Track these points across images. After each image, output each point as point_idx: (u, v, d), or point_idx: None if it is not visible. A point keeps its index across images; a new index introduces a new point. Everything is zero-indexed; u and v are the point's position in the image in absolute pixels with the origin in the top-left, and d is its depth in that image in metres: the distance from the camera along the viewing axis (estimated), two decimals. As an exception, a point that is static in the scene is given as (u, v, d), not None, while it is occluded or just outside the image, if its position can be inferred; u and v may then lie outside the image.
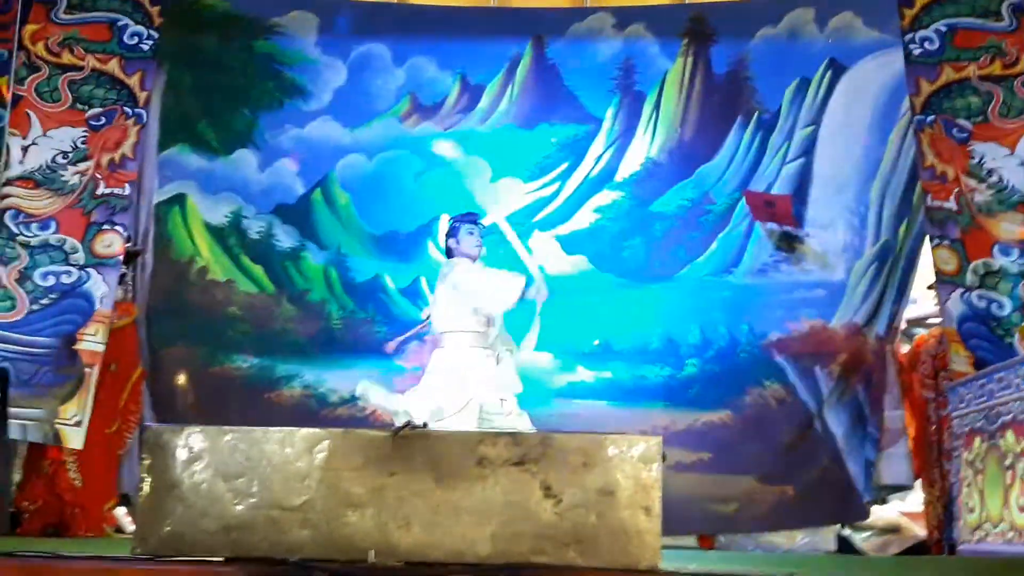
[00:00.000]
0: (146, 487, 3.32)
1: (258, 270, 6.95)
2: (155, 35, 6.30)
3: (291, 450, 3.24)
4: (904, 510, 6.91)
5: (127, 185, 6.16)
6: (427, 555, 3.15)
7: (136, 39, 6.28)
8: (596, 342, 6.84)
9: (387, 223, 7.09)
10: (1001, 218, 5.88)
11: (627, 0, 7.53)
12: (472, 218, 6.02)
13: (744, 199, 6.93)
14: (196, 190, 6.97)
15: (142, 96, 6.24)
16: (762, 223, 6.86)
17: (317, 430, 3.27)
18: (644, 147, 7.14)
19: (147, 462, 3.33)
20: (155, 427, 3.42)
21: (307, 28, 7.10)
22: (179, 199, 6.95)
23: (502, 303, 5.68)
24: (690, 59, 7.14)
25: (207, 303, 6.89)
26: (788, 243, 6.86)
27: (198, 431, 3.31)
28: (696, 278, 6.97)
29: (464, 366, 5.61)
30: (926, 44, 6.14)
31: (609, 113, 7.17)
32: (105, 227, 6.08)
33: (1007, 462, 4.96)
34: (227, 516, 3.23)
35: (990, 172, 5.93)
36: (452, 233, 5.90)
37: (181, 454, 3.30)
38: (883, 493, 6.48)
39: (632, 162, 7.14)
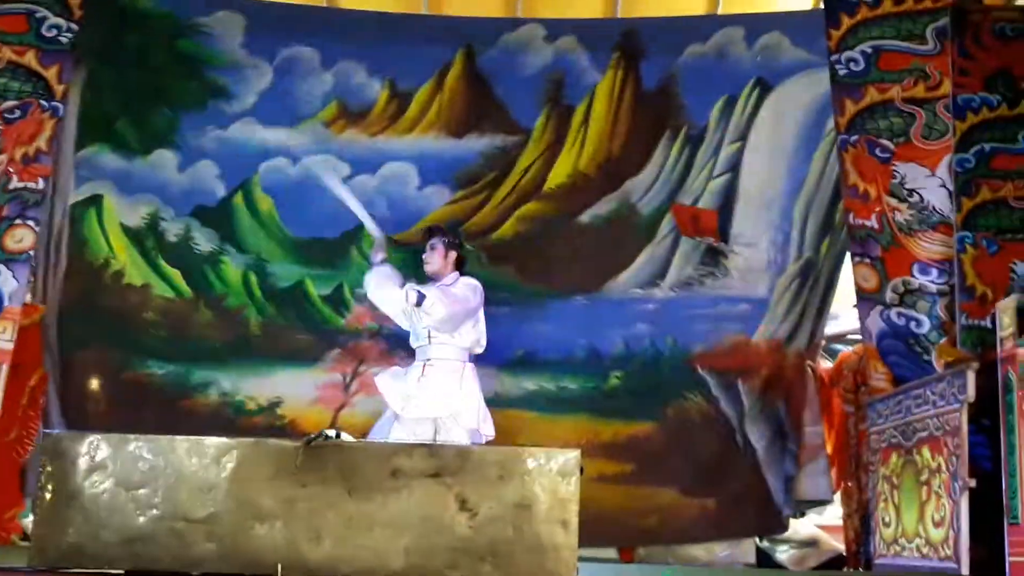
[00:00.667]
0: (45, 496, 3.19)
1: (175, 274, 6.79)
2: (75, 28, 6.14)
3: (198, 460, 3.14)
4: (822, 523, 6.98)
5: (41, 180, 5.99)
6: (338, 569, 3.07)
7: (55, 31, 6.11)
8: None
9: (311, 229, 6.96)
10: (921, 238, 5.97)
11: (558, 12, 7.53)
12: (432, 232, 6.00)
13: (671, 213, 6.95)
14: (113, 191, 6.79)
15: (59, 89, 6.08)
16: (688, 237, 6.88)
17: (225, 439, 3.17)
18: (572, 159, 7.12)
19: (46, 470, 3.21)
20: (54, 434, 3.30)
21: (233, 29, 6.94)
22: (96, 200, 6.77)
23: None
24: (620, 73, 7.14)
25: (122, 307, 6.71)
26: (713, 257, 6.90)
27: (100, 438, 3.19)
28: (621, 290, 6.96)
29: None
30: (851, 65, 6.22)
31: (538, 124, 7.13)
32: (17, 222, 5.91)
33: (922, 478, 5.03)
34: (129, 527, 3.11)
35: (911, 192, 6.03)
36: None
37: (82, 462, 3.18)
38: (802, 507, 6.52)
39: (560, 174, 7.11)
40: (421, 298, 5.73)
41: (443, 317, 5.77)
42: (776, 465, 6.53)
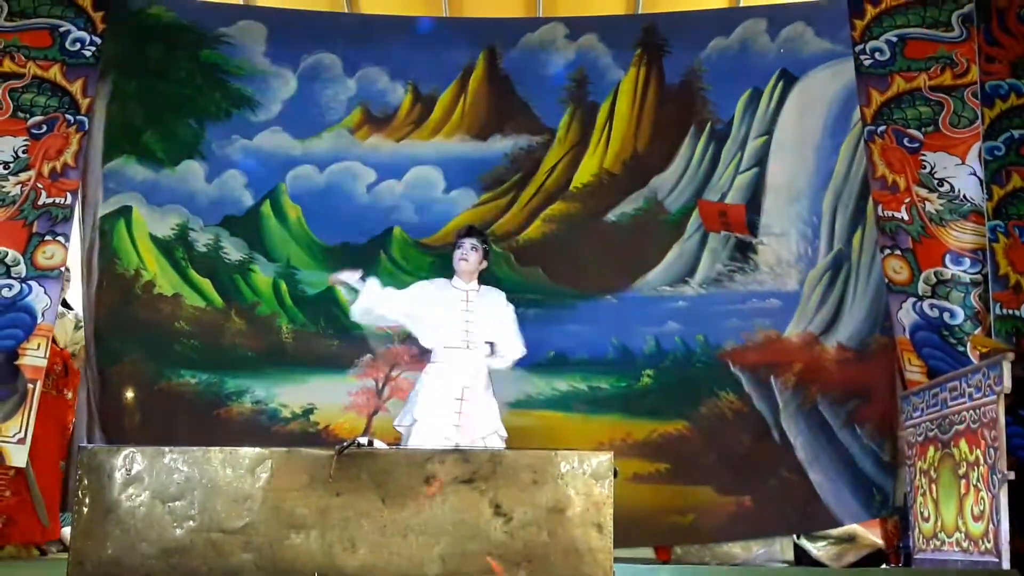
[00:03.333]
0: (83, 510, 3.22)
1: (206, 284, 6.83)
2: (98, 41, 6.21)
3: (232, 471, 3.15)
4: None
5: (68, 195, 6.05)
6: (374, 577, 3.07)
7: (78, 45, 6.18)
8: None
9: (338, 235, 6.99)
10: (952, 227, 5.91)
11: (580, 11, 7.52)
12: (473, 232, 5.96)
13: (697, 208, 6.92)
14: (142, 202, 6.83)
15: (84, 103, 6.14)
16: (715, 232, 6.84)
17: (260, 449, 3.18)
18: (598, 158, 7.11)
19: (83, 484, 3.23)
20: (90, 448, 3.31)
21: (255, 38, 6.99)
22: (125, 211, 6.82)
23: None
24: (643, 69, 7.13)
25: (154, 318, 6.75)
26: (742, 252, 6.85)
27: (135, 451, 3.21)
28: (651, 288, 6.94)
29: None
30: (877, 55, 6.18)
31: (562, 123, 7.13)
32: (47, 238, 5.98)
33: (961, 471, 4.97)
34: (166, 540, 3.13)
35: (941, 182, 5.97)
36: (458, 247, 5.86)
37: (118, 476, 3.20)
38: (886, 512, 6.31)
39: (586, 173, 7.10)
40: (493, 347, 5.73)
41: (519, 354, 5.83)
42: (816, 461, 6.45)
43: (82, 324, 6.68)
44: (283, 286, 6.90)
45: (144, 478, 3.20)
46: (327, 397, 6.72)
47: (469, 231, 5.98)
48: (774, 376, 6.65)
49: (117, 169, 6.81)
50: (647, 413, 6.71)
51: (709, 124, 7.05)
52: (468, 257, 5.81)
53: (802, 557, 6.51)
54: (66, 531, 6.19)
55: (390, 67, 7.12)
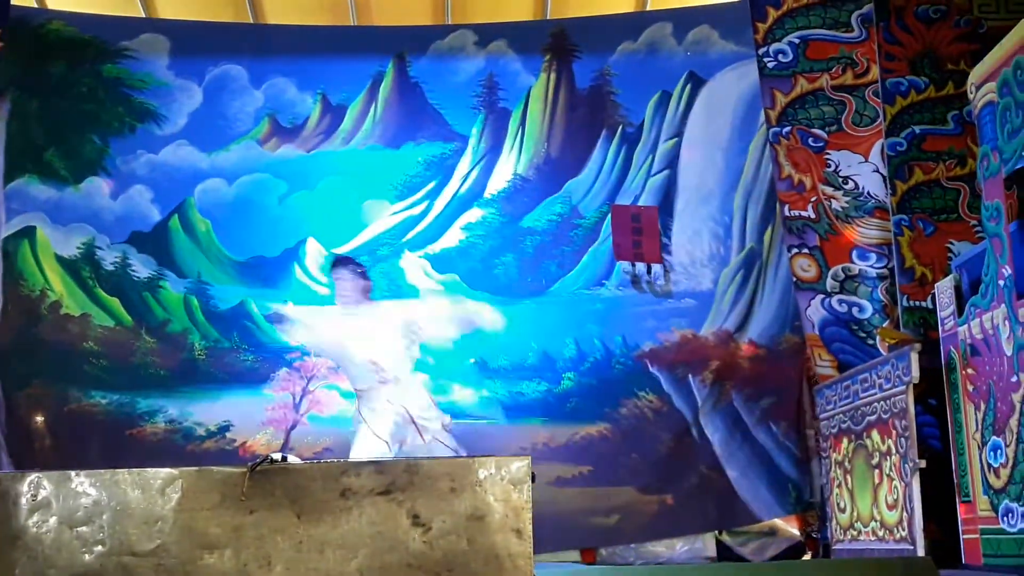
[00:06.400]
0: (-14, 539, 3.10)
1: (114, 302, 6.69)
2: (-5, 59, 6.04)
3: (142, 492, 3.06)
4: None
5: (-34, 217, 5.88)
6: (291, 594, 3.01)
7: None
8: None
9: (251, 248, 6.90)
10: (858, 224, 6.05)
11: (488, 17, 7.52)
12: (340, 263, 5.83)
13: (611, 216, 6.97)
14: (46, 222, 6.70)
15: (-18, 123, 5.98)
16: (626, 261, 6.90)
17: (169, 469, 3.10)
18: (511, 163, 7.13)
19: (-13, 512, 3.11)
20: (-7, 475, 3.20)
21: (158, 51, 6.89)
22: (28, 232, 6.67)
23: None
24: (553, 75, 7.17)
25: (62, 339, 6.60)
26: (640, 283, 6.92)
27: (41, 476, 3.10)
28: (569, 292, 6.97)
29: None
30: (780, 56, 6.30)
31: (475, 130, 7.14)
32: (-55, 262, 5.78)
33: (874, 461, 5.07)
34: (76, 566, 3.03)
35: (846, 180, 6.11)
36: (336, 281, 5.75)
37: (24, 502, 3.09)
38: (800, 508, 6.45)
39: (500, 179, 7.12)
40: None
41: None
42: (734, 457, 6.54)
43: None
44: (194, 302, 6.78)
45: (51, 503, 3.10)
46: (243, 413, 6.62)
47: (335, 263, 5.89)
48: (692, 374, 6.73)
49: (19, 189, 6.66)
50: (569, 416, 6.74)
51: (620, 127, 7.11)
52: (345, 291, 5.73)
53: (725, 553, 6.57)
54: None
55: (298, 77, 7.07)
